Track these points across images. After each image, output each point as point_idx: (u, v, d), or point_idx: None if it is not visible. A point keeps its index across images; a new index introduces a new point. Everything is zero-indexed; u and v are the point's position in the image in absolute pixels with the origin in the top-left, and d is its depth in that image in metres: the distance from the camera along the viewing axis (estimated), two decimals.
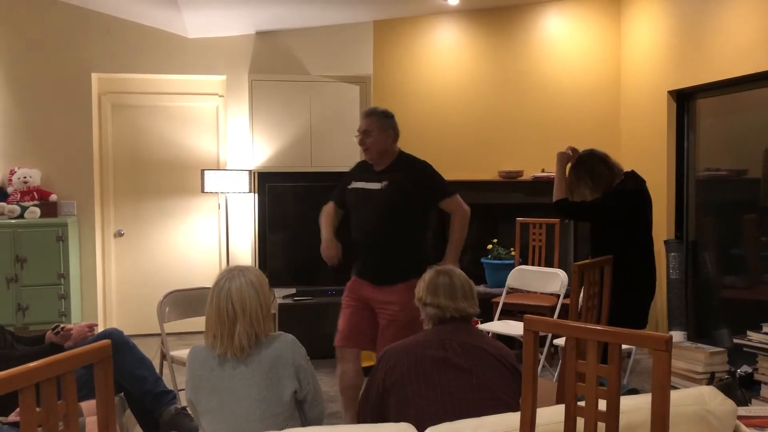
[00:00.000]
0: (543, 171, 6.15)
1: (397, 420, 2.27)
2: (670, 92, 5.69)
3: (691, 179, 5.68)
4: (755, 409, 2.91)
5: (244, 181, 5.72)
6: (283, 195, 5.72)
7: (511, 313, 5.07)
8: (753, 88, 4.92)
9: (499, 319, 4.92)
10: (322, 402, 2.60)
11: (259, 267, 5.50)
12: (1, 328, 3.24)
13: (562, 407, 1.79)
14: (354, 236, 3.54)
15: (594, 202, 3.68)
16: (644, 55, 6.05)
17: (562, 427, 1.77)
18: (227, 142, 6.05)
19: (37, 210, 5.40)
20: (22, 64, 5.67)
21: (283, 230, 5.70)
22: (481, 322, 4.80)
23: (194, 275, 6.00)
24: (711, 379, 3.90)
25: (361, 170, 3.59)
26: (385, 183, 3.43)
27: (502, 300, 5.00)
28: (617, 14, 6.42)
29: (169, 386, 3.44)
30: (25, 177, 5.48)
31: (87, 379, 1.81)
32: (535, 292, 5.13)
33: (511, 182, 6.22)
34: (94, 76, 5.87)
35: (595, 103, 6.44)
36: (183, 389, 2.60)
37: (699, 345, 4.12)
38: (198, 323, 3.06)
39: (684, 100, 5.68)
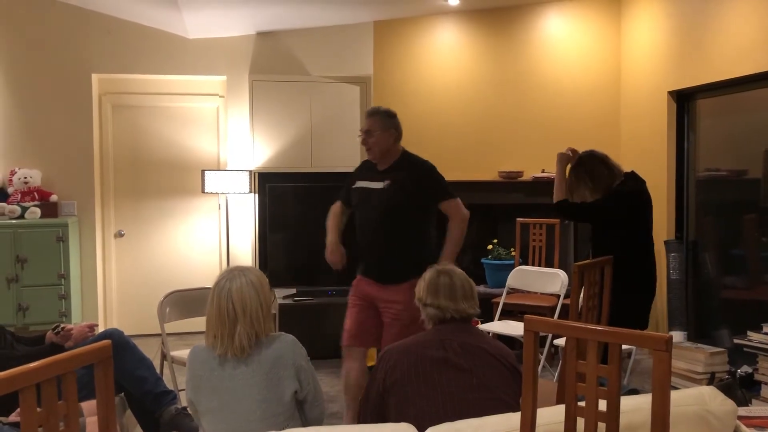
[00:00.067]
0: (543, 171, 6.15)
1: (397, 420, 2.27)
2: (670, 92, 5.68)
3: (691, 179, 5.68)
4: (755, 409, 2.91)
5: (244, 182, 5.72)
6: (283, 195, 5.72)
7: (511, 313, 5.08)
8: (753, 88, 4.92)
9: (499, 319, 4.93)
10: (322, 402, 2.60)
11: (260, 267, 5.52)
12: (2, 329, 3.24)
13: (562, 407, 1.79)
14: (358, 235, 3.56)
15: (594, 203, 3.68)
16: (644, 56, 6.05)
17: (562, 427, 1.77)
18: (227, 143, 6.05)
19: (38, 210, 5.40)
20: (22, 65, 5.67)
21: (283, 230, 5.70)
22: (482, 323, 4.80)
23: (194, 275, 6.00)
24: (711, 380, 3.90)
25: (365, 170, 3.62)
26: (387, 182, 3.44)
27: (502, 300, 5.00)
28: (617, 14, 6.42)
29: (170, 386, 3.44)
30: (25, 177, 5.48)
31: (87, 380, 1.80)
32: (536, 293, 5.14)
33: (511, 182, 6.21)
34: (95, 76, 5.88)
35: (595, 103, 6.44)
36: (183, 389, 2.60)
37: (699, 345, 4.12)
38: (198, 323, 3.07)
39: (684, 100, 5.67)
